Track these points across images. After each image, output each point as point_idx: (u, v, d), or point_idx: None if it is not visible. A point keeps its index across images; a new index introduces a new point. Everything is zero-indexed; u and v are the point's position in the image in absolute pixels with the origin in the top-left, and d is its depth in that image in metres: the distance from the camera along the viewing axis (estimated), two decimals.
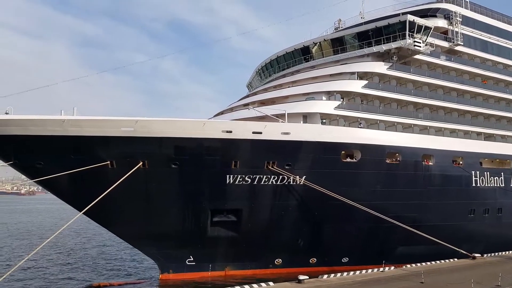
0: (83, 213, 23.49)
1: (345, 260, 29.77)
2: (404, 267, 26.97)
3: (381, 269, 26.26)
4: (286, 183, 26.51)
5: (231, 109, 33.18)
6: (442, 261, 28.62)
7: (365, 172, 28.18)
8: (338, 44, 32.84)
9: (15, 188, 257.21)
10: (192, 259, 27.53)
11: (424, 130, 33.26)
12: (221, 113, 33.85)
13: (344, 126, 29.58)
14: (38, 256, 34.56)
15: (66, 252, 40.08)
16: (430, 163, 31.17)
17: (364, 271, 25.88)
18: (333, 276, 24.55)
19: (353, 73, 31.27)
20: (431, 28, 32.08)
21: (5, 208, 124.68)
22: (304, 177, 26.40)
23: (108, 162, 23.78)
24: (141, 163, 24.12)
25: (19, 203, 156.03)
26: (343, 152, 27.62)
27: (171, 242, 26.66)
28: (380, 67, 31.96)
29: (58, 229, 23.73)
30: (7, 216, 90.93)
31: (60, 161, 23.21)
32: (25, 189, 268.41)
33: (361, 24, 34.01)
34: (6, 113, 23.24)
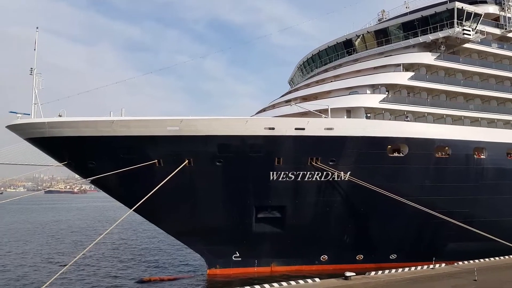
0: (133, 210, 24.33)
1: (393, 256, 29.08)
2: (455, 264, 26.07)
3: (431, 266, 25.51)
4: (331, 179, 26.20)
5: (273, 106, 33.17)
6: (497, 258, 27.39)
7: (412, 167, 27.32)
8: (382, 36, 31.96)
9: (68, 187, 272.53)
10: (238, 254, 27.90)
11: (475, 122, 31.69)
12: (263, 110, 33.94)
13: (389, 120, 28.78)
14: (92, 251, 36.22)
15: (117, 247, 41.85)
16: (482, 156, 29.71)
17: (413, 268, 25.19)
18: (381, 273, 24.09)
19: (398, 65, 30.33)
20: (481, 15, 30.51)
21: (61, 206, 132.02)
22: (349, 172, 26.00)
23: (156, 160, 24.47)
24: (186, 161, 24.66)
25: (72, 201, 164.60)
26: (389, 146, 26.90)
27: (217, 238, 27.10)
28: (427, 58, 30.78)
29: (110, 225, 24.74)
30: (64, 214, 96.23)
31: (111, 160, 24.16)
32: (77, 188, 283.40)
33: (405, 14, 32.94)
34: (60, 116, 24.49)
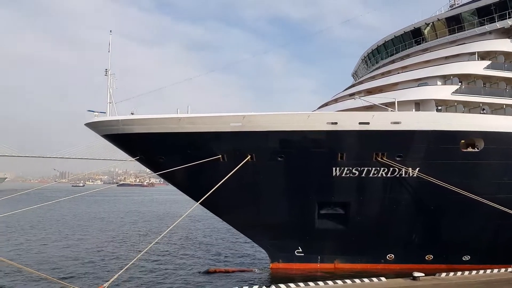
0: (199, 203, 25.20)
1: (466, 258, 27.38)
2: None
3: (510, 269, 23.71)
4: (398, 175, 25.17)
5: (336, 100, 32.51)
6: None
7: (489, 163, 25.41)
8: (454, 23, 29.89)
9: (138, 180, 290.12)
10: (300, 250, 27.87)
11: None
12: (325, 104, 33.38)
13: (463, 112, 27.01)
14: (159, 242, 38.05)
15: (184, 239, 43.69)
16: None
17: (488, 271, 23.62)
18: (453, 275, 22.89)
19: (472, 53, 28.24)
20: None
21: (132, 198, 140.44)
22: (417, 169, 24.81)
23: (220, 156, 25.08)
24: (249, 156, 24.98)
25: (142, 194, 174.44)
26: (462, 141, 25.23)
27: (280, 232, 27.26)
28: (506, 45, 28.25)
29: (177, 218, 25.80)
30: (135, 205, 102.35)
31: (178, 155, 25.17)
32: (146, 181, 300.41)
33: None
34: (132, 114, 25.95)
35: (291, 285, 20.61)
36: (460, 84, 27.26)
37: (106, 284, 18.71)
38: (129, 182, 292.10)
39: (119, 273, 19.94)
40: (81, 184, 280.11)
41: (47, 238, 44.32)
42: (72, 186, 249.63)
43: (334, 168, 25.25)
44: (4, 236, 45.52)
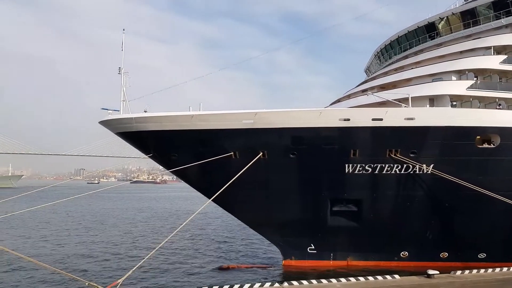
0: (211, 200, 25.27)
1: (482, 256, 26.97)
2: None
3: None
4: (411, 172, 24.88)
5: (348, 96, 32.27)
6: None
7: (505, 159, 24.97)
8: (469, 17, 29.37)
9: (151, 177, 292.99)
10: (313, 247, 27.78)
11: None
12: (338, 101, 33.13)
13: (478, 108, 26.55)
14: (174, 239, 38.31)
15: (196, 236, 43.92)
16: None
17: (505, 269, 23.24)
18: (468, 272, 22.60)
19: (488, 47, 27.69)
20: None
21: (145, 195, 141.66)
22: (432, 165, 24.50)
23: (232, 153, 25.10)
24: (261, 153, 24.92)
25: (155, 191, 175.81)
26: (478, 137, 24.82)
27: (292, 229, 27.21)
28: None
29: (191, 214, 25.92)
30: (148, 202, 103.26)
31: (191, 152, 25.28)
32: (159, 179, 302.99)
33: None
34: (145, 111, 26.10)
35: (304, 282, 20.58)
36: (475, 79, 26.80)
37: (120, 281, 18.87)
38: (142, 179, 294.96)
39: (133, 270, 20.11)
40: (96, 181, 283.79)
41: (62, 235, 45.01)
42: (88, 183, 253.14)
43: (346, 165, 25.06)
44: (21, 232, 46.40)
